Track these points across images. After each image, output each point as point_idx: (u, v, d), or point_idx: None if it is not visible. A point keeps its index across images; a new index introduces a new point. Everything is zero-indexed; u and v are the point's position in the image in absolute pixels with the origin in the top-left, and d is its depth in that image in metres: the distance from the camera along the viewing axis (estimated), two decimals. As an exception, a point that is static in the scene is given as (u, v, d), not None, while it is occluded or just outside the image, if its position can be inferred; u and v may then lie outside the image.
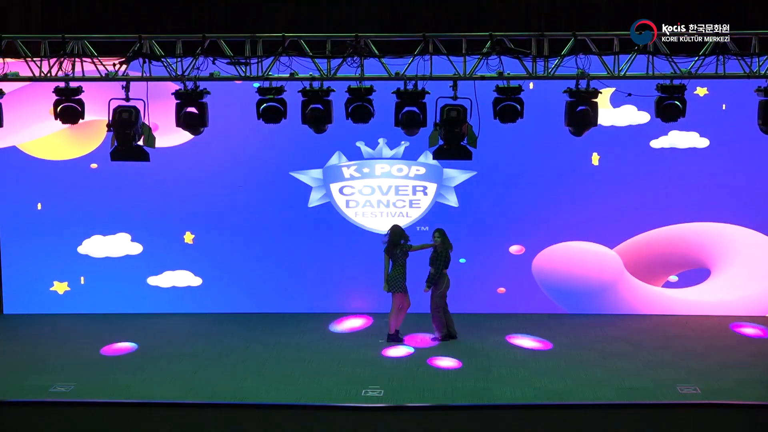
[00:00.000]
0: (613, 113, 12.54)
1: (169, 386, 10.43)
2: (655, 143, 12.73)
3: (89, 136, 12.77)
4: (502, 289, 13.12)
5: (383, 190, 13.01)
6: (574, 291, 13.14)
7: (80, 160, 12.98)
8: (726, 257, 12.99)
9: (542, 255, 13.06)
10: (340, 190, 13.00)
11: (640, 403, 9.84)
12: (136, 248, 13.14)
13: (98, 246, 13.14)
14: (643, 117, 12.58)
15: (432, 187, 12.98)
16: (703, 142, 12.72)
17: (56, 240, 13.09)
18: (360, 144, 12.88)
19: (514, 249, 13.03)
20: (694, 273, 13.11)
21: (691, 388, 10.21)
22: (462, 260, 12.89)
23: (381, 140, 12.84)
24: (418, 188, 12.99)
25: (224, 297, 13.24)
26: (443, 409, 9.80)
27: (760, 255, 12.93)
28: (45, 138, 12.92)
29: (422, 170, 12.95)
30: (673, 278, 13.08)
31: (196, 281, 13.25)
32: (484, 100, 10.12)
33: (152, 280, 13.23)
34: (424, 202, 13.02)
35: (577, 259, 13.07)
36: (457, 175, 12.93)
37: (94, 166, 12.92)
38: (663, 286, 13.12)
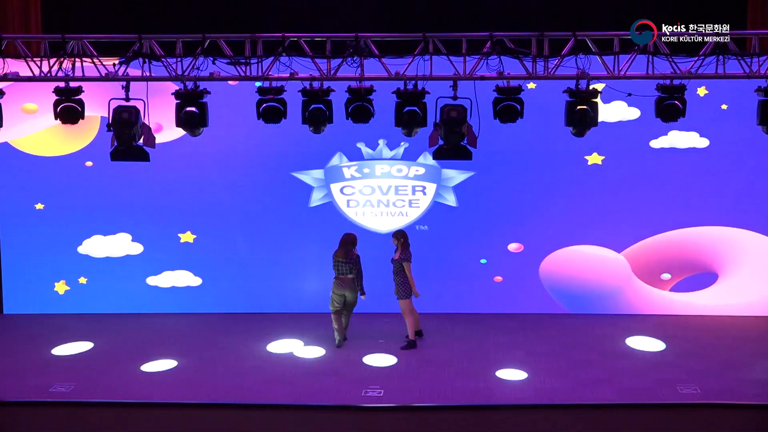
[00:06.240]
0: (603, 109, 12.49)
1: (169, 386, 10.44)
2: (656, 143, 12.71)
3: (81, 132, 12.67)
4: (499, 278, 13.13)
5: (383, 190, 13.02)
6: (582, 295, 13.10)
7: (75, 155, 12.91)
8: (733, 261, 12.94)
9: (550, 259, 13.03)
10: (341, 190, 13.02)
11: (640, 403, 9.84)
12: (137, 248, 13.14)
13: (99, 246, 13.13)
14: (634, 113, 12.56)
15: (431, 187, 12.99)
16: (703, 142, 12.69)
17: (56, 239, 13.09)
18: (360, 145, 12.89)
19: (513, 247, 13.05)
20: (702, 277, 13.07)
21: (691, 388, 10.21)
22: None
23: (381, 141, 12.85)
24: (417, 188, 13.00)
25: (225, 297, 13.24)
26: (443, 409, 9.80)
27: (768, 258, 12.92)
28: (38, 134, 12.86)
29: (421, 170, 12.96)
30: (666, 276, 13.06)
31: (196, 281, 13.24)
32: (484, 100, 10.12)
33: (152, 280, 13.23)
34: (423, 202, 13.03)
35: (584, 263, 13.03)
36: (456, 176, 12.94)
37: (89, 164, 12.90)
38: (670, 290, 13.09)
